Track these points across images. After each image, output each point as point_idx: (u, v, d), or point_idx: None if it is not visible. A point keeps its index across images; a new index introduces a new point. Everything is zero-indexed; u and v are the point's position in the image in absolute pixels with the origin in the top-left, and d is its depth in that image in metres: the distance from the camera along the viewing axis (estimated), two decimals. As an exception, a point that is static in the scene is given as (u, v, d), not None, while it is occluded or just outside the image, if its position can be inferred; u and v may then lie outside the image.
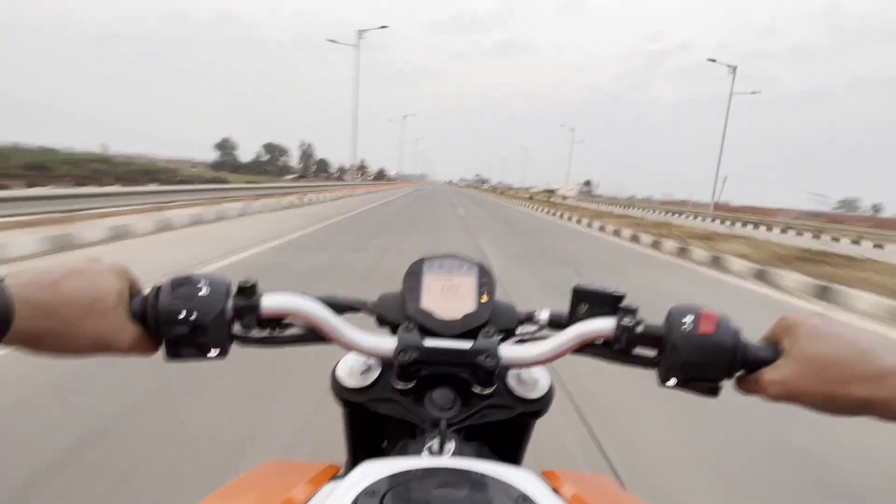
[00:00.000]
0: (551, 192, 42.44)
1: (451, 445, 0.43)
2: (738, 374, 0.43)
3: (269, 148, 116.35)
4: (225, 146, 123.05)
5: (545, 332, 0.52)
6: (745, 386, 0.44)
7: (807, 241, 14.53)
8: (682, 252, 8.91)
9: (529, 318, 0.52)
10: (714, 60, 28.44)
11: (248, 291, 0.45)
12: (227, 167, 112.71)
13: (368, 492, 0.33)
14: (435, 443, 0.43)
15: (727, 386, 0.44)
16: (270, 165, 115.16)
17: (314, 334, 0.47)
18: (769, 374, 0.41)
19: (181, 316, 0.41)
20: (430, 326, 0.48)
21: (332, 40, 30.07)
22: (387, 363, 0.50)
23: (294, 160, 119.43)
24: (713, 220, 25.44)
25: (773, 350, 0.42)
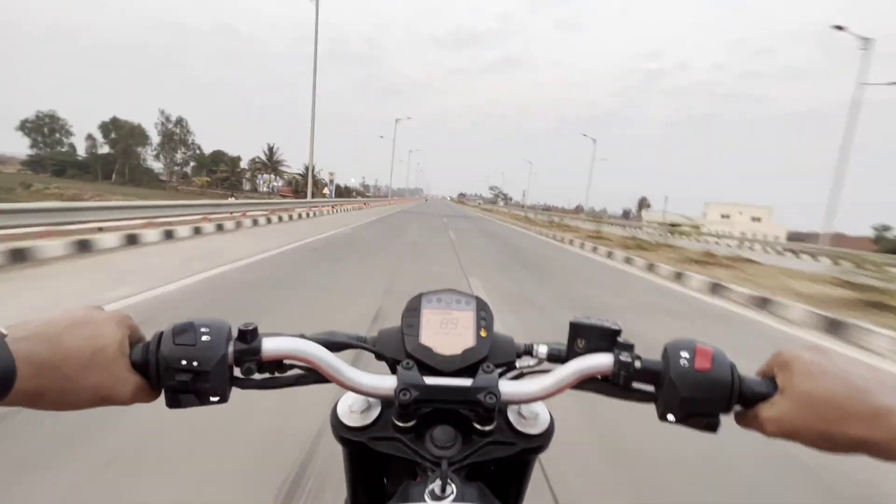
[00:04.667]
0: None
1: (452, 488, 0.42)
2: (735, 408, 0.43)
3: (112, 129, 62.95)
4: (40, 129, 67.19)
5: (544, 365, 0.52)
6: (743, 421, 0.43)
7: None
8: None
9: (528, 352, 0.52)
10: (841, 28, 20.50)
11: (248, 335, 0.44)
12: (54, 163, 61.64)
13: None
14: (436, 486, 0.42)
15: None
16: (124, 157, 62.68)
17: (315, 375, 0.47)
18: (766, 411, 0.40)
19: (183, 363, 0.41)
20: (429, 362, 0.48)
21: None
22: (387, 401, 0.49)
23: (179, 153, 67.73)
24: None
25: (769, 385, 0.42)
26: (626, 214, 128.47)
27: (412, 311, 0.51)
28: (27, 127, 66.34)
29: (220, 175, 58.93)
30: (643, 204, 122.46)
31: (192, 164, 68.70)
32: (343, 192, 71.97)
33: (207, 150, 69.17)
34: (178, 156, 67.35)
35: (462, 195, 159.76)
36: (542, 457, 0.50)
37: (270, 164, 56.71)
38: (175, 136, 65.73)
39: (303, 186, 54.59)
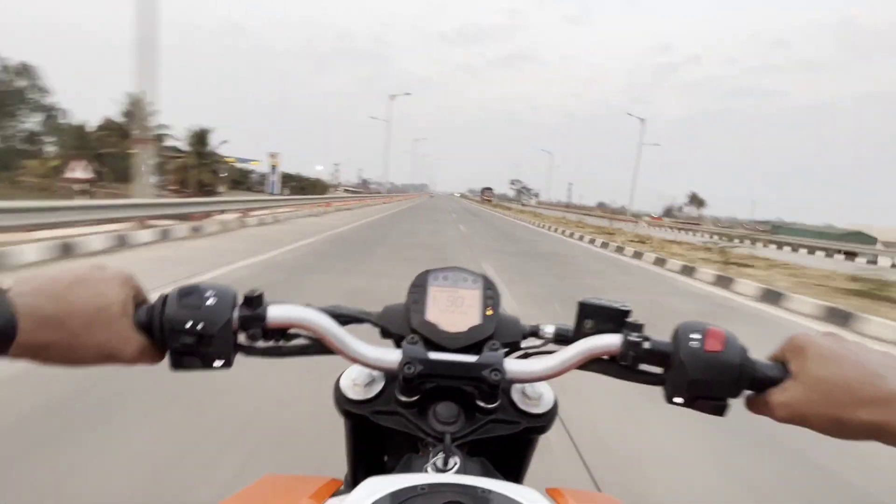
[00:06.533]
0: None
1: (455, 461, 0.43)
2: (746, 392, 0.43)
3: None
4: None
5: (550, 346, 0.52)
6: (754, 406, 0.43)
7: None
8: None
9: (534, 333, 0.52)
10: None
11: (254, 302, 0.44)
12: None
13: None
14: (439, 458, 0.43)
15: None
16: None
17: (319, 346, 0.48)
18: (777, 396, 0.40)
19: (187, 326, 0.41)
20: (434, 339, 0.48)
21: None
22: (391, 376, 0.50)
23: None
24: None
25: (781, 370, 0.41)
26: (667, 213, 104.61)
27: (418, 287, 0.50)
28: None
29: (66, 154, 37.00)
30: (698, 202, 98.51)
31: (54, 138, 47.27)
32: (306, 186, 48.79)
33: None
34: (28, 125, 45.98)
35: (488, 190, 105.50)
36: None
37: (131, 128, 34.28)
38: (16, 94, 44.05)
39: (181, 168, 32.61)
